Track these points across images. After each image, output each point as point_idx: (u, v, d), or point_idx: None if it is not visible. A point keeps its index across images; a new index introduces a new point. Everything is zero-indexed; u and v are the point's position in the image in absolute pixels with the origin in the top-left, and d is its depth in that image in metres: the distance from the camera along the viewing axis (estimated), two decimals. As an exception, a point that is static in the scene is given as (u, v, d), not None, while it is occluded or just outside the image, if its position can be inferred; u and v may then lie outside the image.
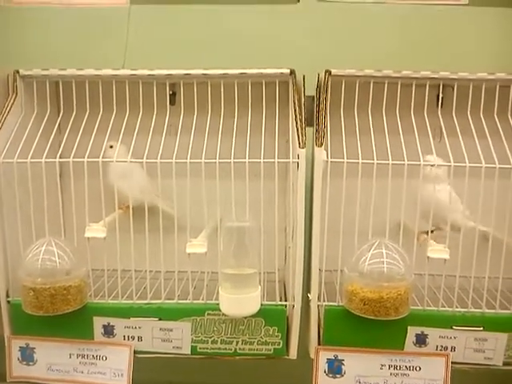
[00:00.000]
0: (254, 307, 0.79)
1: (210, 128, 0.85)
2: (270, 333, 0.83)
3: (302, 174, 0.80)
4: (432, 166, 0.80)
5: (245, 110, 0.87)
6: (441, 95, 0.88)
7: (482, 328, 0.81)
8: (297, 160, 0.80)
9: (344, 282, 0.80)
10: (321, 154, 0.80)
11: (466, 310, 0.82)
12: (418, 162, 0.79)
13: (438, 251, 0.79)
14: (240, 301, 0.78)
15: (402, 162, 0.79)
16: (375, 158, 0.79)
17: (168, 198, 0.87)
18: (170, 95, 0.92)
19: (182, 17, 1.04)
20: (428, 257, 0.79)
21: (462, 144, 0.80)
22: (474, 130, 0.83)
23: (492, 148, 0.80)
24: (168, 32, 1.04)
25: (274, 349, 0.84)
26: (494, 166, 0.78)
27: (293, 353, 0.84)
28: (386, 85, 0.85)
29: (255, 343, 0.84)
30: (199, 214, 0.83)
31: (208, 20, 1.03)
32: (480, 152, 0.79)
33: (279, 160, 0.81)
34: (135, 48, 1.02)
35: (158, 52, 1.03)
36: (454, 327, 0.81)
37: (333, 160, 0.80)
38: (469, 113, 0.85)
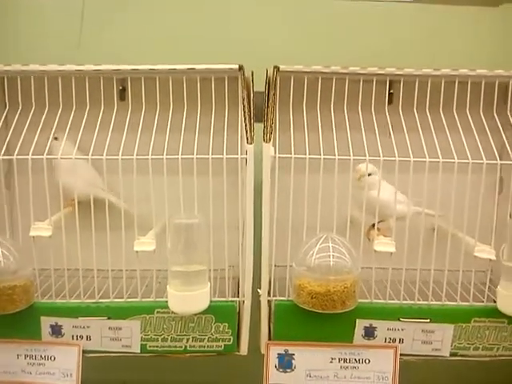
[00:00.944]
0: (202, 304, 0.78)
1: (158, 124, 0.84)
2: (221, 329, 0.83)
3: (251, 170, 0.80)
4: (369, 175, 0.82)
5: (195, 106, 0.87)
6: (387, 91, 0.89)
7: (428, 320, 0.83)
8: (245, 156, 0.80)
9: (293, 277, 0.81)
10: (269, 149, 0.80)
11: (412, 302, 0.83)
12: (364, 157, 0.80)
13: (383, 244, 0.80)
14: (188, 298, 0.77)
15: (348, 157, 0.80)
16: (322, 153, 0.80)
17: (116, 195, 0.87)
18: (119, 90, 0.91)
19: (137, 11, 1.03)
20: (375, 250, 0.80)
21: (407, 139, 0.82)
22: (419, 125, 0.84)
23: (436, 142, 0.81)
24: (123, 27, 1.03)
25: (225, 345, 0.84)
26: (437, 160, 0.80)
27: (244, 349, 0.84)
28: (333, 81, 0.86)
29: (206, 340, 0.84)
30: (149, 211, 0.82)
31: (161, 14, 1.02)
32: (424, 146, 0.81)
33: (227, 156, 0.81)
34: (89, 43, 1.01)
35: (112, 47, 1.02)
36: (402, 319, 0.83)
37: (280, 156, 0.81)
38: (415, 108, 0.87)
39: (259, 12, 1.03)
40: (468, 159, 0.80)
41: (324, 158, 0.80)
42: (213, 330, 0.83)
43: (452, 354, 0.85)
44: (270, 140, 0.80)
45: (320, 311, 0.77)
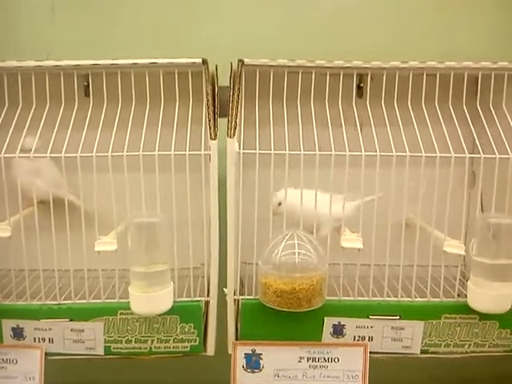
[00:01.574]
0: (165, 305, 0.77)
1: (120, 120, 0.82)
2: (186, 330, 0.81)
3: (215, 166, 0.78)
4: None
5: (158, 101, 0.85)
6: (355, 85, 0.87)
7: (398, 317, 0.82)
8: (208, 152, 0.78)
9: (259, 275, 0.79)
10: (233, 145, 0.78)
11: (381, 298, 0.82)
12: (330, 152, 0.78)
13: (351, 240, 0.78)
14: (151, 299, 0.75)
15: (314, 153, 0.78)
16: (287, 148, 0.78)
17: (76, 194, 0.84)
18: (84, 86, 0.89)
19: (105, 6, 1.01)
20: (342, 247, 0.79)
21: (375, 133, 0.80)
22: (387, 120, 0.83)
23: (404, 136, 0.80)
24: (94, 23, 1.00)
25: (191, 346, 0.82)
26: (404, 154, 0.78)
27: (210, 349, 0.83)
28: (300, 74, 0.84)
29: (171, 341, 0.82)
30: (110, 210, 0.80)
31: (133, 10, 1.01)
32: (391, 140, 0.79)
33: (190, 152, 0.79)
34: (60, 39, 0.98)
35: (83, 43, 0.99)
36: (371, 316, 0.81)
37: (245, 151, 0.79)
38: (383, 102, 0.85)
39: (228, 5, 1.01)
40: (436, 153, 0.79)
41: (290, 154, 0.78)
42: (178, 330, 0.81)
43: (423, 352, 0.83)
44: (234, 135, 0.78)
45: (286, 310, 0.76)
